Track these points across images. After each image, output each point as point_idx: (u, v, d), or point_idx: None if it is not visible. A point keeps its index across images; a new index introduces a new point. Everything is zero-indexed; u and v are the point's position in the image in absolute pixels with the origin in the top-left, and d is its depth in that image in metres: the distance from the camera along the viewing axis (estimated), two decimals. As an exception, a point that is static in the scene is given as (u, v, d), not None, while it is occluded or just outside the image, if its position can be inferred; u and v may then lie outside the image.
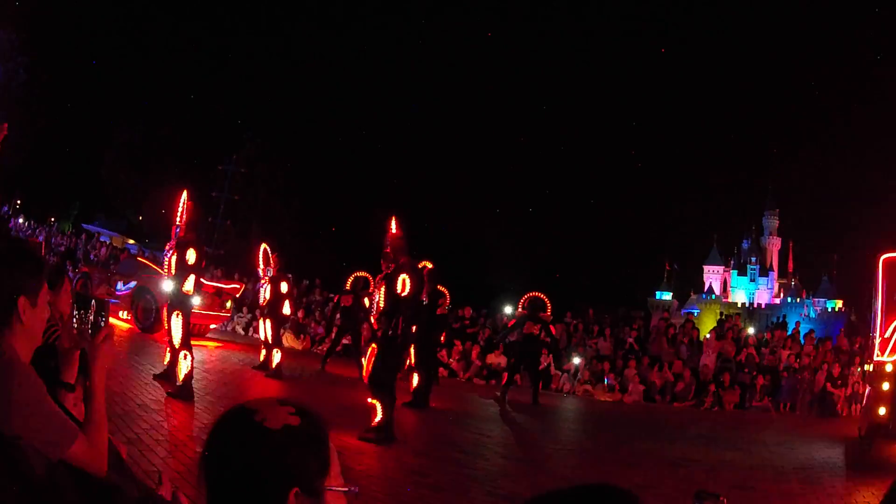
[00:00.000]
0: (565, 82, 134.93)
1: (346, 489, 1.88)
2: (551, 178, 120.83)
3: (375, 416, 10.06)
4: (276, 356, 15.37)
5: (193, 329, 18.70)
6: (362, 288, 17.93)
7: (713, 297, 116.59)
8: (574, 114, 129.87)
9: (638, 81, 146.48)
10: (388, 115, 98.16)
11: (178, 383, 11.16)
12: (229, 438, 1.83)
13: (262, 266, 16.50)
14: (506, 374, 17.93)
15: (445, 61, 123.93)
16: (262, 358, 15.93)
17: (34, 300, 2.93)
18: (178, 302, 11.74)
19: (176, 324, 11.68)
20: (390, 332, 10.29)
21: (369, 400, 10.19)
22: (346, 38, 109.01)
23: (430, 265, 15.99)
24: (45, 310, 3.03)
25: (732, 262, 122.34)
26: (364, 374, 10.83)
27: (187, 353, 11.29)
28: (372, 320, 10.92)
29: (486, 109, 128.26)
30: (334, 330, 19.54)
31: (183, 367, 11.20)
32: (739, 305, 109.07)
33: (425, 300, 11.95)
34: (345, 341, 19.49)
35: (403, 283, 10.19)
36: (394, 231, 10.87)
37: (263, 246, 16.80)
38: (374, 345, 10.54)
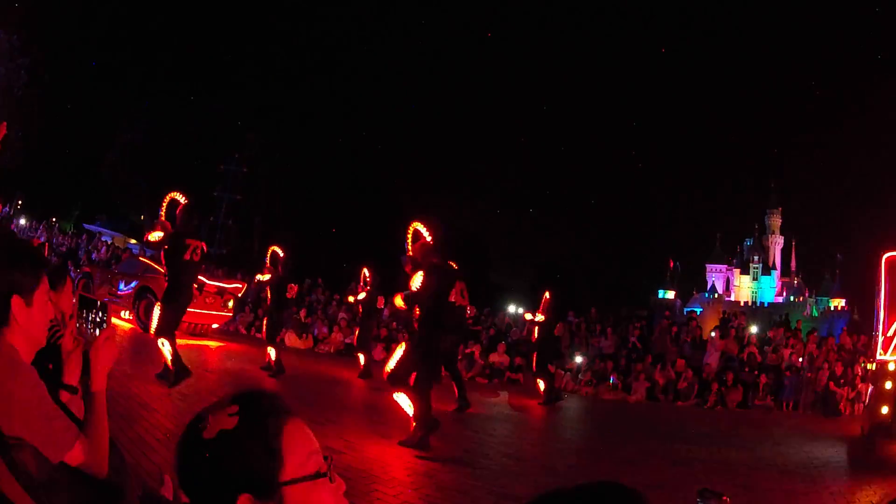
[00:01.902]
0: (566, 82, 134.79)
1: (312, 475, 1.82)
2: (552, 177, 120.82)
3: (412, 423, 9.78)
4: (272, 354, 15.34)
5: (196, 328, 18.78)
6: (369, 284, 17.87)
7: (716, 295, 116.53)
8: (575, 113, 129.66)
9: (639, 80, 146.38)
10: (388, 115, 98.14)
11: (169, 369, 11.40)
12: (178, 452, 1.82)
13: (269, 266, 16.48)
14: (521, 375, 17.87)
15: (445, 61, 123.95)
16: (267, 358, 15.84)
17: (29, 299, 2.92)
18: (166, 294, 11.92)
19: (155, 313, 11.92)
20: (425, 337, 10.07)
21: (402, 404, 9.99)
22: (346, 38, 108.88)
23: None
24: (45, 310, 3.02)
25: (735, 260, 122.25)
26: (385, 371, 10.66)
27: (165, 339, 11.46)
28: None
29: (487, 109, 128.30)
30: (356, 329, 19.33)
31: (165, 352, 11.44)
32: (742, 304, 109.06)
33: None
34: (347, 340, 19.44)
35: (418, 280, 10.04)
36: (427, 238, 10.57)
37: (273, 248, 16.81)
38: (404, 346, 10.30)
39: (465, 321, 13.04)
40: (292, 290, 16.24)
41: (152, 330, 11.74)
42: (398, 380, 9.93)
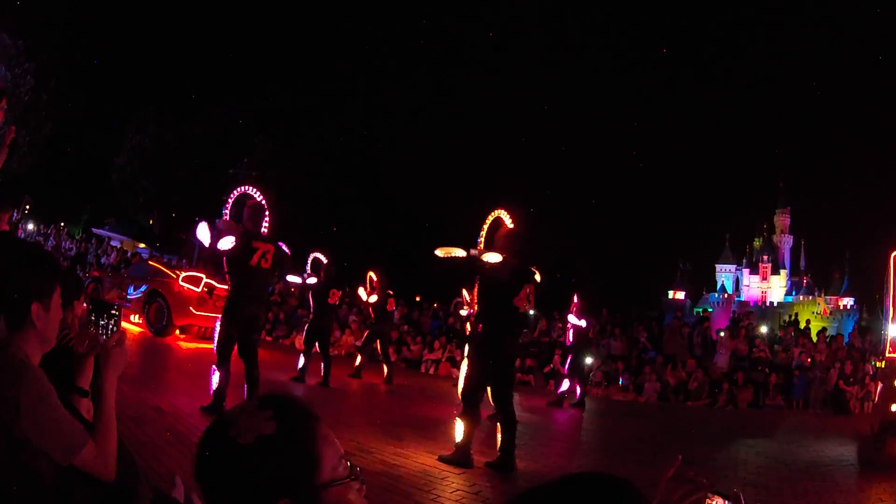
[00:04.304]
0: (568, 82, 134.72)
1: (346, 478, 1.83)
2: (559, 178, 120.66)
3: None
4: (301, 361, 15.35)
5: (207, 332, 18.52)
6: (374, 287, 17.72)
7: (726, 295, 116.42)
8: (584, 114, 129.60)
9: (646, 81, 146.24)
10: (392, 117, 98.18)
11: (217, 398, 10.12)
12: (207, 458, 1.79)
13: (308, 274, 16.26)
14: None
15: (447, 62, 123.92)
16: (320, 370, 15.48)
17: (47, 304, 2.94)
18: (225, 307, 10.60)
19: (215, 330, 10.62)
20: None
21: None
22: (349, 40, 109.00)
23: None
24: (58, 313, 3.04)
25: (745, 260, 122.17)
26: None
27: (217, 369, 10.19)
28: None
29: (488, 110, 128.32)
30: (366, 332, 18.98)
31: (213, 379, 10.21)
32: (752, 304, 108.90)
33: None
34: (357, 343, 19.33)
35: (494, 257, 9.11)
36: (509, 226, 9.84)
37: (315, 254, 16.74)
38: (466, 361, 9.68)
39: (526, 326, 12.05)
40: (335, 295, 16.01)
41: (215, 350, 10.40)
42: (470, 401, 9.34)
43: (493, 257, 9.11)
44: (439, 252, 9.53)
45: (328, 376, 15.23)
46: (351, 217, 68.13)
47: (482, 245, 9.84)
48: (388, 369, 17.34)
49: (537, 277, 9.62)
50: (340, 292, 16.49)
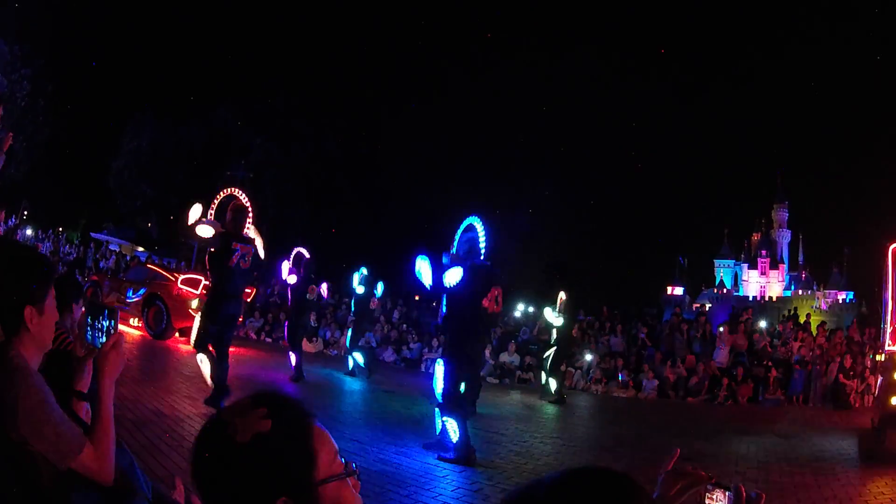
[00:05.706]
0: (567, 81, 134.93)
1: (342, 473, 1.83)
2: (558, 175, 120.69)
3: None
4: (292, 359, 15.41)
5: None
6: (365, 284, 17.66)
7: (724, 290, 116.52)
8: (579, 113, 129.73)
9: (643, 79, 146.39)
10: (389, 116, 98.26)
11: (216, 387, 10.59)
12: (204, 458, 1.78)
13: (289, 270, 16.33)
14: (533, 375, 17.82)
15: (445, 61, 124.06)
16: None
17: (41, 308, 2.93)
18: (206, 304, 11.04)
19: (195, 324, 11.04)
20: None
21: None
22: (347, 40, 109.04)
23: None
24: (52, 316, 3.03)
25: (743, 255, 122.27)
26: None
27: (202, 355, 10.66)
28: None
29: (488, 109, 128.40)
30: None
31: (203, 369, 10.74)
32: (751, 299, 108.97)
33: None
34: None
35: (456, 276, 9.43)
36: (480, 234, 10.01)
37: (298, 249, 16.76)
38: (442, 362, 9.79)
39: (492, 329, 12.39)
40: (312, 291, 16.04)
41: (192, 343, 10.91)
42: (452, 400, 9.53)
43: (454, 276, 9.46)
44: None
45: (300, 371, 15.44)
46: (349, 217, 68.09)
47: (454, 251, 10.11)
48: (365, 362, 17.22)
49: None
50: (317, 288, 16.50)
